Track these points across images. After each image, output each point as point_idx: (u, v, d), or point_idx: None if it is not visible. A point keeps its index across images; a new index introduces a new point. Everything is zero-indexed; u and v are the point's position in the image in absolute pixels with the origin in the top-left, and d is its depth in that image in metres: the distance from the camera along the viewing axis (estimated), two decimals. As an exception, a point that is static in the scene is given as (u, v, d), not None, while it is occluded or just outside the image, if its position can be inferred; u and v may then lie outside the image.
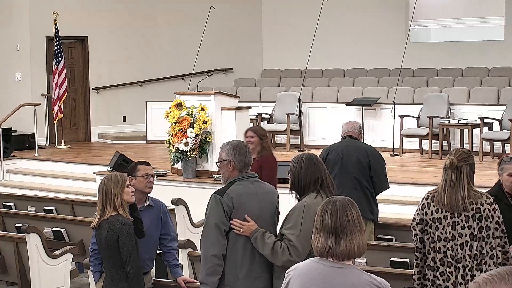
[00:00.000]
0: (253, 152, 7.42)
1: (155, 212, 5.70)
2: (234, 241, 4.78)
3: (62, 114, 15.17)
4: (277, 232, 4.85)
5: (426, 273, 5.04)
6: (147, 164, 5.87)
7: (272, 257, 4.71)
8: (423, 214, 5.00)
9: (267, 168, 7.42)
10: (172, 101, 11.20)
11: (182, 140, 10.72)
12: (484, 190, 5.24)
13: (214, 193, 4.85)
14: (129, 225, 5.16)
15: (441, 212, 4.92)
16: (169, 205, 7.24)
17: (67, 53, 15.81)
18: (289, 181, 4.87)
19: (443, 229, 4.92)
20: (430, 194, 5.02)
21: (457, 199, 4.88)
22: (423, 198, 5.06)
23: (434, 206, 4.95)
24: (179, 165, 11.08)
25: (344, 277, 3.32)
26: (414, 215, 5.07)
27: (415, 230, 5.03)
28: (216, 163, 5.04)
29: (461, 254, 4.90)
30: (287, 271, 3.51)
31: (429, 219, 4.96)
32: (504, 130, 12.52)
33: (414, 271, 5.08)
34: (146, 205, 5.69)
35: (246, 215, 4.75)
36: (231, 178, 4.88)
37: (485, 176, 10.46)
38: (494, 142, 12.62)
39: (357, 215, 3.38)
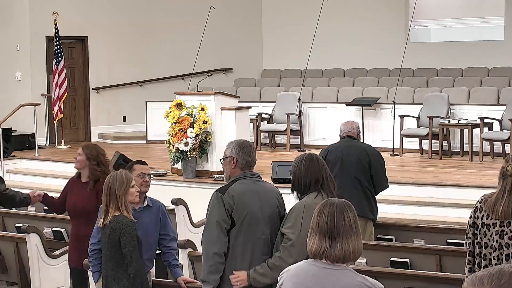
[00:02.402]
0: (82, 176, 6.33)
1: (154, 213, 5.70)
2: (234, 239, 4.79)
3: (62, 114, 15.16)
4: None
5: None
6: (144, 163, 5.87)
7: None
8: (475, 218, 4.75)
9: None
10: (172, 101, 11.21)
11: (182, 140, 10.72)
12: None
13: (215, 191, 4.89)
14: (131, 225, 5.17)
15: (491, 219, 4.68)
16: (169, 205, 7.25)
17: (67, 53, 15.80)
18: (291, 181, 4.88)
19: (490, 236, 4.70)
20: (484, 198, 4.76)
21: None
22: (478, 200, 4.80)
23: (485, 211, 4.71)
24: (179, 165, 11.09)
25: (337, 279, 3.30)
26: (468, 217, 4.83)
27: (469, 233, 4.79)
28: (220, 159, 5.07)
29: None
30: (280, 273, 3.50)
31: (479, 223, 4.73)
32: (504, 130, 12.51)
33: (467, 275, 4.76)
34: (144, 205, 5.69)
35: (230, 275, 4.70)
36: (233, 177, 4.90)
37: (485, 176, 10.47)
38: (494, 142, 12.60)
39: (354, 218, 3.36)
